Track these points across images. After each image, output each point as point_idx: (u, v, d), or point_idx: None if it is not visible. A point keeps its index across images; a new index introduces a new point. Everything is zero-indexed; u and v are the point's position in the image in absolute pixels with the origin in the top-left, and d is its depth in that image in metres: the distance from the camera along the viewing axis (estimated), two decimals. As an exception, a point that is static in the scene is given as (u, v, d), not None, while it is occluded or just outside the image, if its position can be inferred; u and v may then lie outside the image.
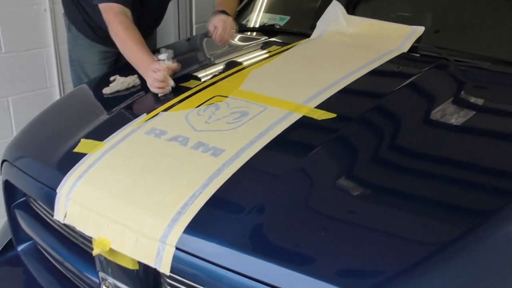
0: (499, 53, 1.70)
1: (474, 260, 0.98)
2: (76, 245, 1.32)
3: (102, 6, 1.77)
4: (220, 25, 1.82)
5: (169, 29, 2.16)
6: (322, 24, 1.97)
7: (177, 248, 1.02)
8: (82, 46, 2.10)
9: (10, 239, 1.59)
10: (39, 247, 1.50)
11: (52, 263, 1.46)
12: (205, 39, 2.19)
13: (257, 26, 2.19)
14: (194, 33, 3.41)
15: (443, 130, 1.34)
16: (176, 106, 1.46)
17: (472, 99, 1.52)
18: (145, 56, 1.64)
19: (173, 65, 1.62)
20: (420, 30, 1.80)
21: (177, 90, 1.57)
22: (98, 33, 2.02)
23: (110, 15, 1.74)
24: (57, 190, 1.23)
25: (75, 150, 1.32)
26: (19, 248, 1.56)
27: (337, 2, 1.98)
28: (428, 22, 1.95)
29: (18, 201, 1.53)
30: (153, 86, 1.58)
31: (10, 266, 1.56)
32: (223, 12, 1.87)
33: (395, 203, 1.09)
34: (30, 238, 1.51)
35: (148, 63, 1.61)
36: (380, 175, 1.16)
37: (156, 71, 1.56)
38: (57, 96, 2.77)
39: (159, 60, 1.64)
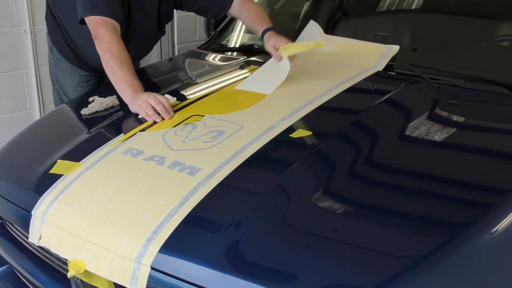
0: (472, 71, 1.74)
1: (450, 271, 0.99)
2: (52, 268, 1.30)
3: (93, 19, 1.64)
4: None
5: (151, 49, 2.17)
6: (300, 43, 1.99)
7: (152, 268, 1.01)
8: (63, 68, 2.06)
9: (-14, 263, 1.56)
10: (15, 271, 1.47)
11: (28, 287, 1.44)
12: (187, 59, 2.21)
13: (237, 46, 2.21)
14: (176, 53, 3.45)
15: (418, 145, 1.36)
16: (153, 126, 1.46)
17: (446, 115, 1.55)
18: (135, 80, 1.59)
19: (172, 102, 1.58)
20: (395, 49, 1.84)
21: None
22: (80, 57, 2.00)
23: (102, 29, 1.63)
24: (32, 212, 1.22)
25: (51, 171, 1.32)
26: (-5, 272, 1.54)
27: (314, 22, 2.02)
28: (404, 41, 2.00)
29: (-6, 224, 1.51)
30: (146, 108, 1.50)
31: (-15, 290, 1.53)
32: (274, 29, 1.84)
33: (372, 218, 1.10)
34: (7, 262, 1.49)
35: (138, 87, 1.58)
36: (357, 190, 1.18)
37: (161, 99, 1.52)
38: (37, 118, 2.76)
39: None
